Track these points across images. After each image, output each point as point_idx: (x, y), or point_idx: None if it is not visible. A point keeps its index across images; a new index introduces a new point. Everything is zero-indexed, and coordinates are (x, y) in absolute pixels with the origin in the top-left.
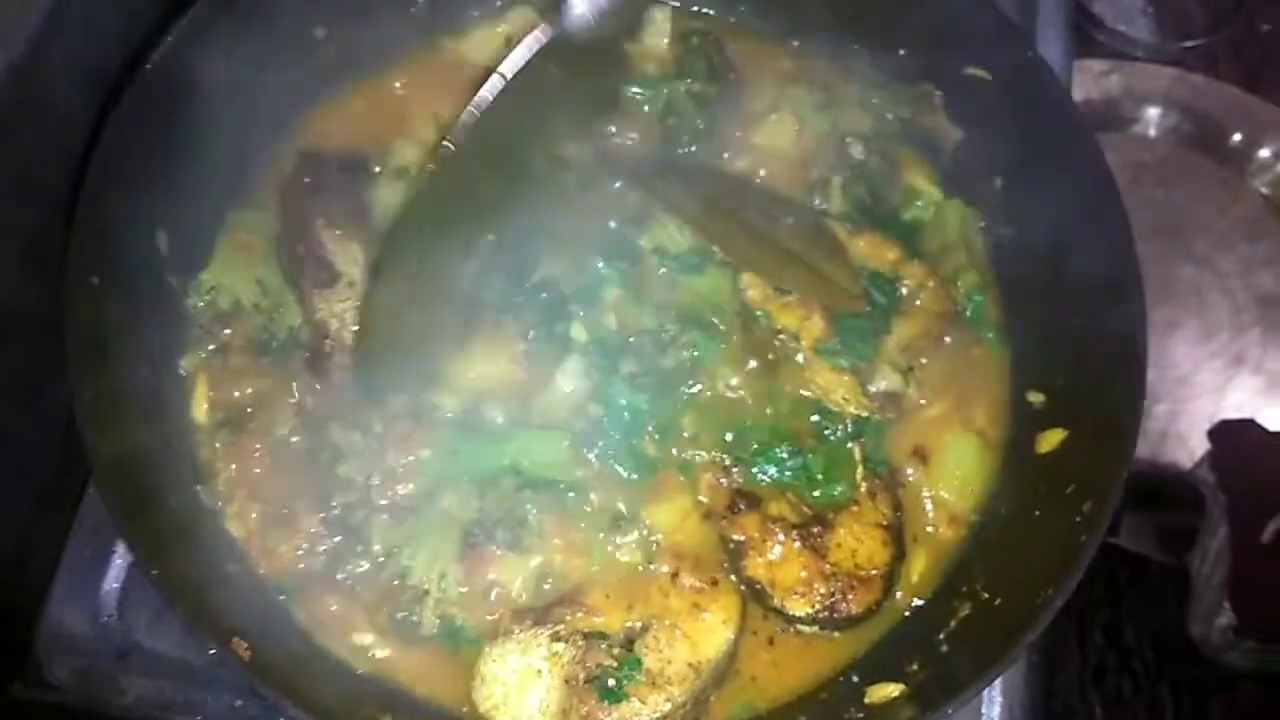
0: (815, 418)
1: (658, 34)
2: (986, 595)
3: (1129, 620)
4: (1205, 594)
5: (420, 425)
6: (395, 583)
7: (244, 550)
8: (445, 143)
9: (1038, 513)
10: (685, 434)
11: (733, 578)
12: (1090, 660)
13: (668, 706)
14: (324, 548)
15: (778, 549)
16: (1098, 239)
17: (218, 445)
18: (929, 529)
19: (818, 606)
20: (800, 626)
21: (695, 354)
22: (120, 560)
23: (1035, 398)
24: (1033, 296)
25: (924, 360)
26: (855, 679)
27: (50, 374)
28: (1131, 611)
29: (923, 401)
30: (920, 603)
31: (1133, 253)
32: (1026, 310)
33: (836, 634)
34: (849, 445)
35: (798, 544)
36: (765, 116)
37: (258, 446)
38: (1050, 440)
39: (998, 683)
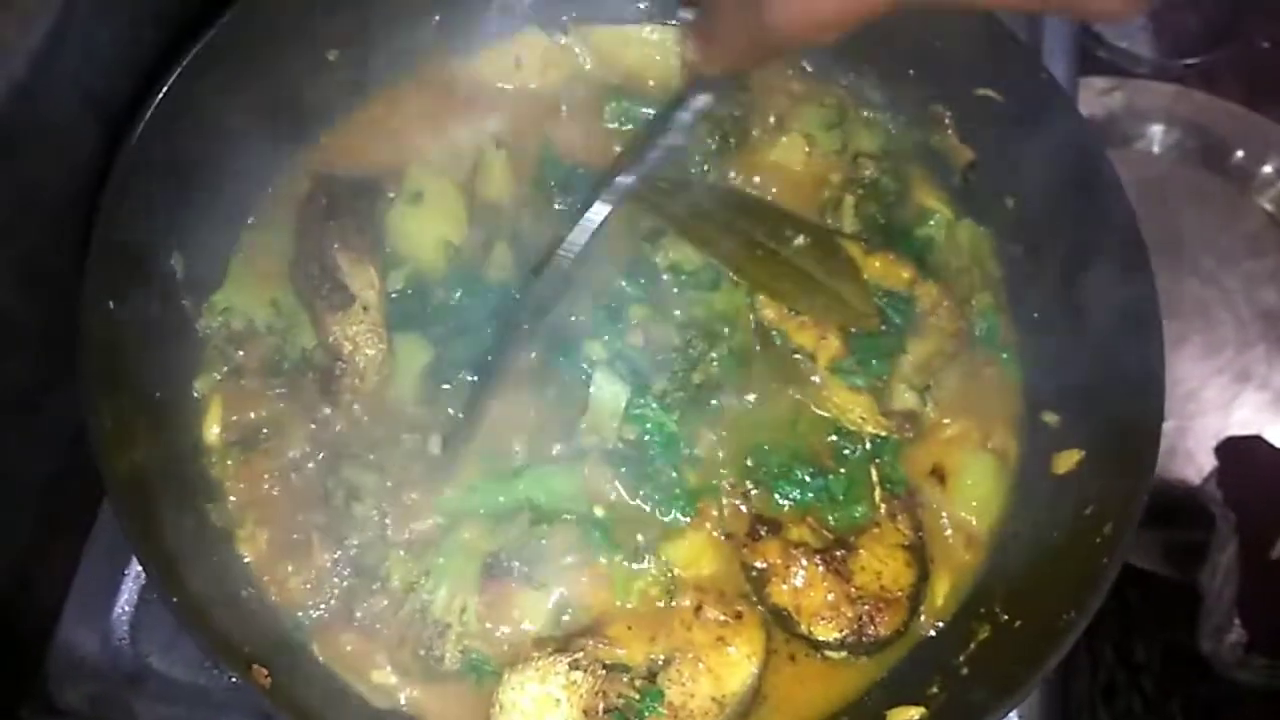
0: (833, 438)
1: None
2: (1006, 618)
3: (1139, 637)
4: (1215, 610)
5: (437, 463)
6: (416, 617)
7: (255, 576)
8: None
9: (1056, 534)
10: (705, 458)
11: (758, 606)
12: (1100, 678)
13: None
14: (339, 585)
15: (801, 575)
16: (1112, 258)
17: (229, 464)
18: (949, 550)
19: (846, 631)
20: (828, 652)
21: (719, 369)
22: (133, 583)
23: (1050, 418)
24: (1046, 316)
25: (939, 380)
26: (875, 702)
27: (47, 390)
28: (1141, 629)
29: (945, 421)
30: (940, 625)
31: (1149, 271)
32: (1040, 330)
33: (865, 658)
34: (868, 466)
35: (821, 568)
36: (776, 136)
37: (268, 469)
38: (1067, 461)
39: None
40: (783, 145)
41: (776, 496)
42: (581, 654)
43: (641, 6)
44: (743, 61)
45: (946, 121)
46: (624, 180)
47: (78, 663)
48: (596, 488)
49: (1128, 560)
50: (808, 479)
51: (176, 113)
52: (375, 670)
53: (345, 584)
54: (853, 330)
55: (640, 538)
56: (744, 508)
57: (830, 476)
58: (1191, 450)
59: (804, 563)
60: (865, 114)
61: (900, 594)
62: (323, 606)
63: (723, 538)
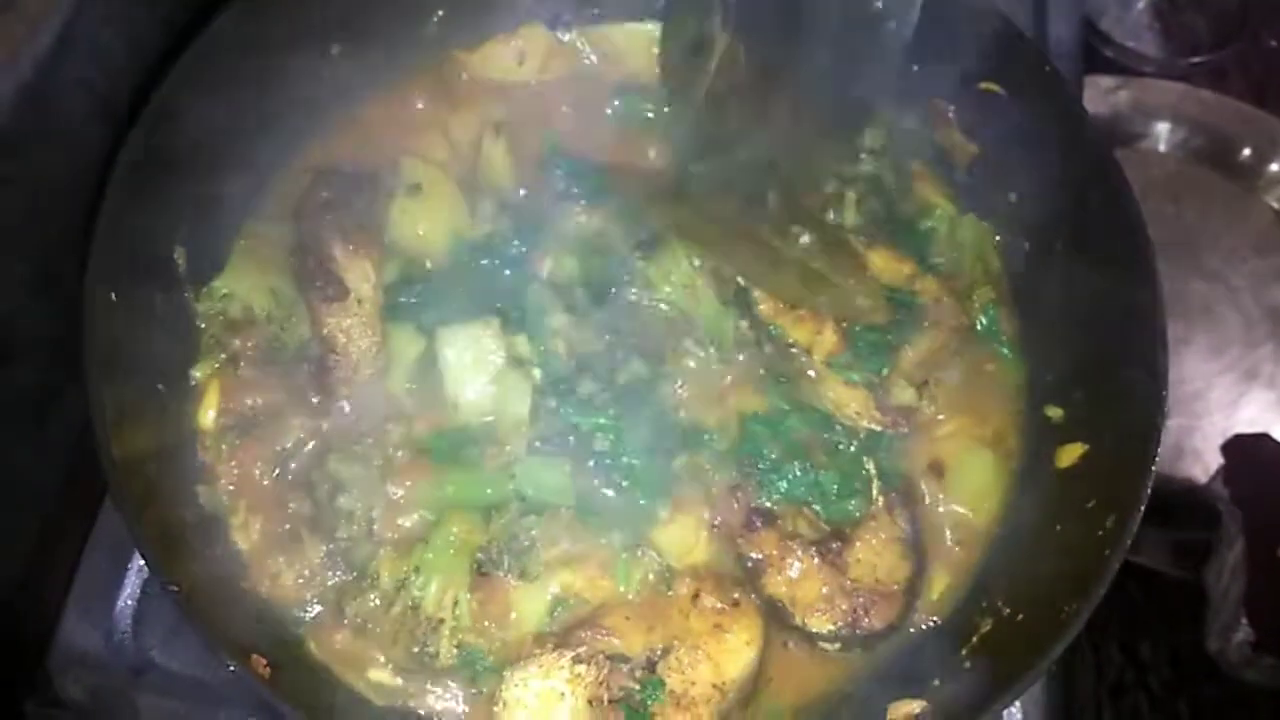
0: (827, 434)
1: None
2: (1008, 611)
3: (1145, 637)
4: (1222, 610)
5: (421, 454)
6: (408, 615)
7: (252, 569)
8: None
9: (1059, 527)
10: (695, 454)
11: (753, 597)
12: (1107, 678)
13: None
14: (331, 583)
15: (796, 566)
16: (1115, 252)
17: (224, 448)
18: (947, 545)
19: (840, 623)
20: (823, 645)
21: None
22: (135, 577)
23: (1054, 412)
24: (1049, 311)
25: (940, 375)
26: (877, 695)
27: (58, 393)
28: (1148, 628)
29: (940, 417)
30: (941, 619)
31: (1153, 266)
32: (1043, 325)
33: (860, 651)
34: (863, 460)
35: (816, 560)
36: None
37: (260, 456)
38: (1070, 455)
39: (1017, 702)
40: None
41: (769, 488)
42: (583, 647)
43: (646, 3)
44: None
45: (950, 116)
46: None
47: (80, 657)
48: (581, 479)
49: (1134, 559)
50: (799, 473)
51: (179, 104)
52: (373, 668)
53: (336, 581)
54: (856, 326)
55: (630, 529)
56: (739, 499)
57: (822, 472)
58: (1198, 449)
59: (799, 554)
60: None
61: (895, 587)
62: (317, 604)
63: (715, 527)
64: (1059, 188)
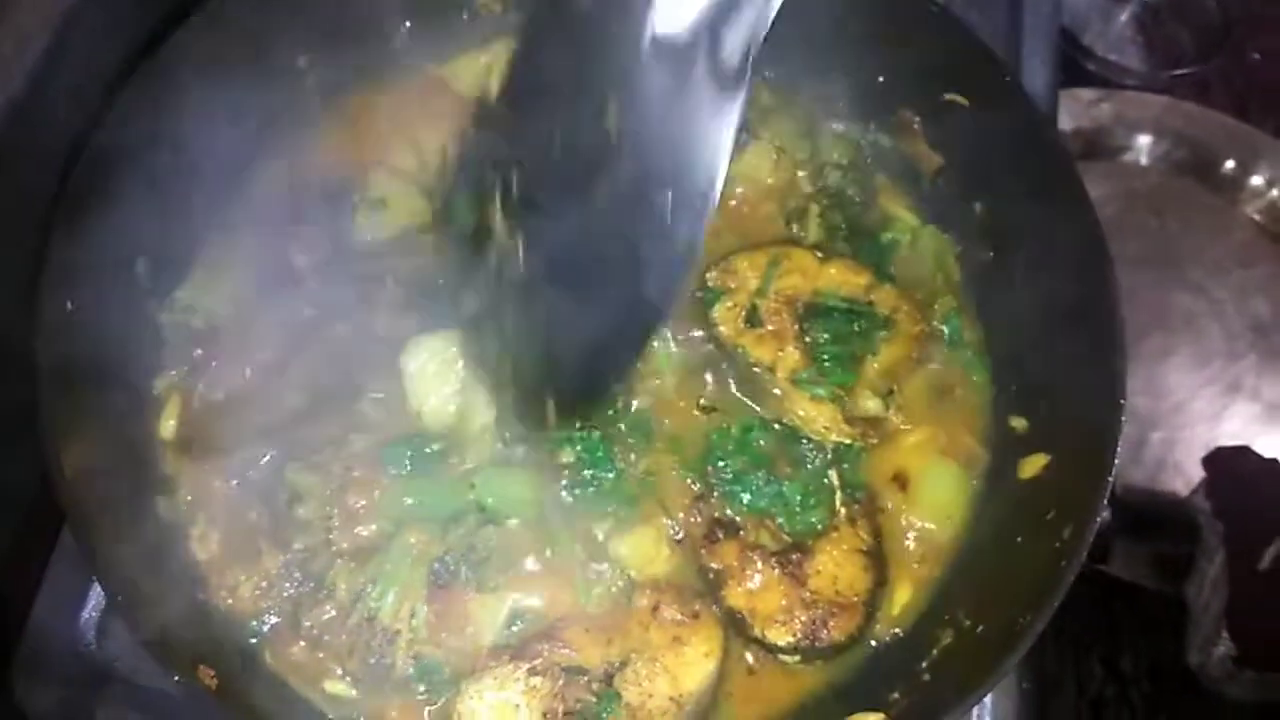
0: (794, 446)
1: None
2: (969, 623)
3: (1126, 651)
4: (1203, 623)
5: (381, 464)
6: (364, 626)
7: (209, 580)
8: None
9: (1020, 539)
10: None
11: (714, 608)
12: (1088, 692)
13: None
14: (288, 594)
15: (757, 577)
16: (1075, 261)
17: (183, 460)
18: (910, 557)
19: (799, 635)
20: (783, 657)
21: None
22: (100, 589)
23: (1018, 423)
24: (1013, 322)
25: (904, 385)
26: (835, 709)
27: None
28: (1129, 642)
29: (905, 427)
30: (903, 631)
31: (1112, 276)
32: (1007, 336)
33: (820, 663)
34: (828, 472)
35: (777, 571)
36: (744, 145)
37: (219, 467)
38: (1033, 465)
39: (989, 714)
40: (750, 155)
41: (731, 501)
42: (539, 659)
43: None
44: None
45: (916, 127)
46: None
47: (44, 668)
48: (542, 490)
49: (1115, 574)
50: (762, 484)
51: (142, 113)
52: (328, 680)
53: (293, 592)
54: (821, 339)
55: (590, 539)
56: (701, 510)
57: (786, 483)
58: (1180, 462)
59: (760, 565)
60: (835, 125)
61: (855, 599)
62: (274, 616)
63: (678, 538)
64: (1020, 198)
